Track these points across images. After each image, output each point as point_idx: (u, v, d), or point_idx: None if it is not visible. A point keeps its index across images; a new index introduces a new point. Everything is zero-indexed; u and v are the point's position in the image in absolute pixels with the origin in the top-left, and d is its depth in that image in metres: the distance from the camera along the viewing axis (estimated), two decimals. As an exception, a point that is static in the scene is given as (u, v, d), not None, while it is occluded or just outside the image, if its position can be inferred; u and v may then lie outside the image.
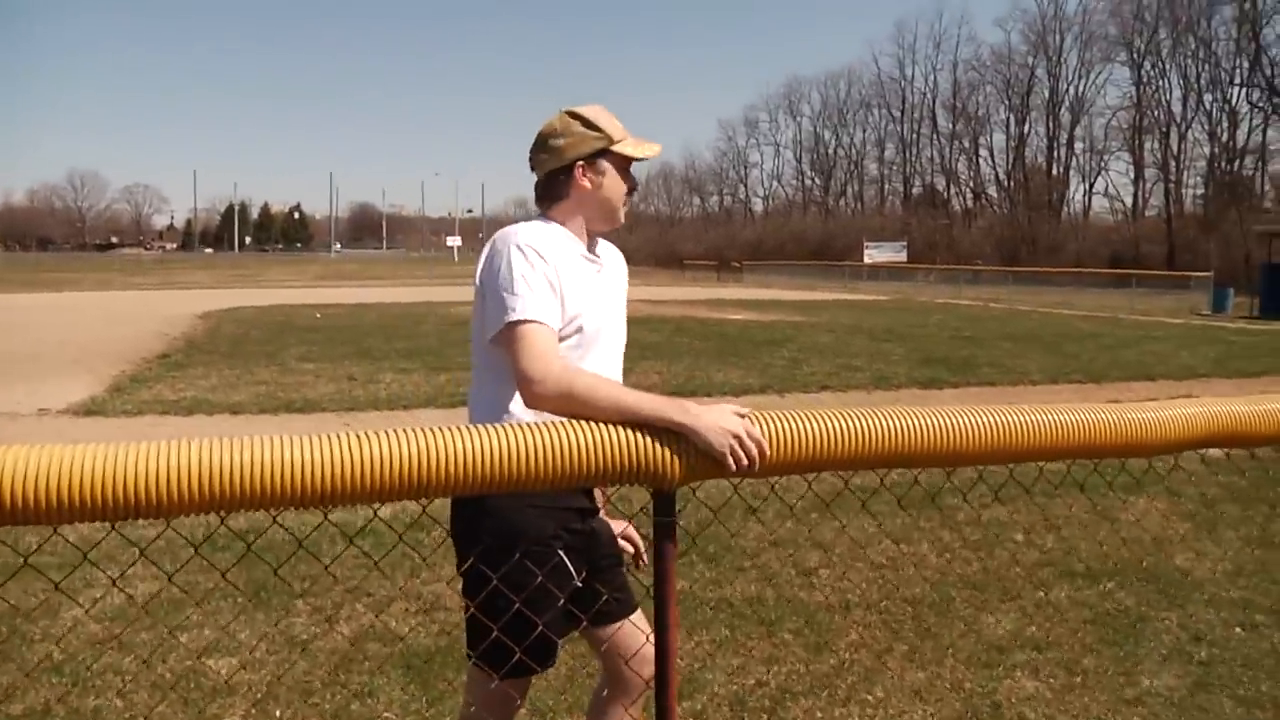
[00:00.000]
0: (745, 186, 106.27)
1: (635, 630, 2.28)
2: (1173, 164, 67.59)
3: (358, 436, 1.51)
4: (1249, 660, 3.75)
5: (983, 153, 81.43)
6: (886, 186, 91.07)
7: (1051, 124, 74.85)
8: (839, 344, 15.87)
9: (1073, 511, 5.58)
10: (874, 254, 61.08)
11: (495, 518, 2.04)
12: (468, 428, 1.58)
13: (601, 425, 1.66)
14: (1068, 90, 73.79)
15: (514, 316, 1.96)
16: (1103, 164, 73.77)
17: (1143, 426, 1.99)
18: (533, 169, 2.21)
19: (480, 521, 2.05)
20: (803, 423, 1.73)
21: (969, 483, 5.30)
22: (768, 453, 1.69)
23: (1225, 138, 65.09)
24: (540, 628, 2.03)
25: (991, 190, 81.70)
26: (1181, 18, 64.92)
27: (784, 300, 31.50)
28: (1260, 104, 63.62)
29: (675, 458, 1.68)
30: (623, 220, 2.22)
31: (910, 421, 1.79)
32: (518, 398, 2.02)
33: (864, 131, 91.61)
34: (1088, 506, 5.45)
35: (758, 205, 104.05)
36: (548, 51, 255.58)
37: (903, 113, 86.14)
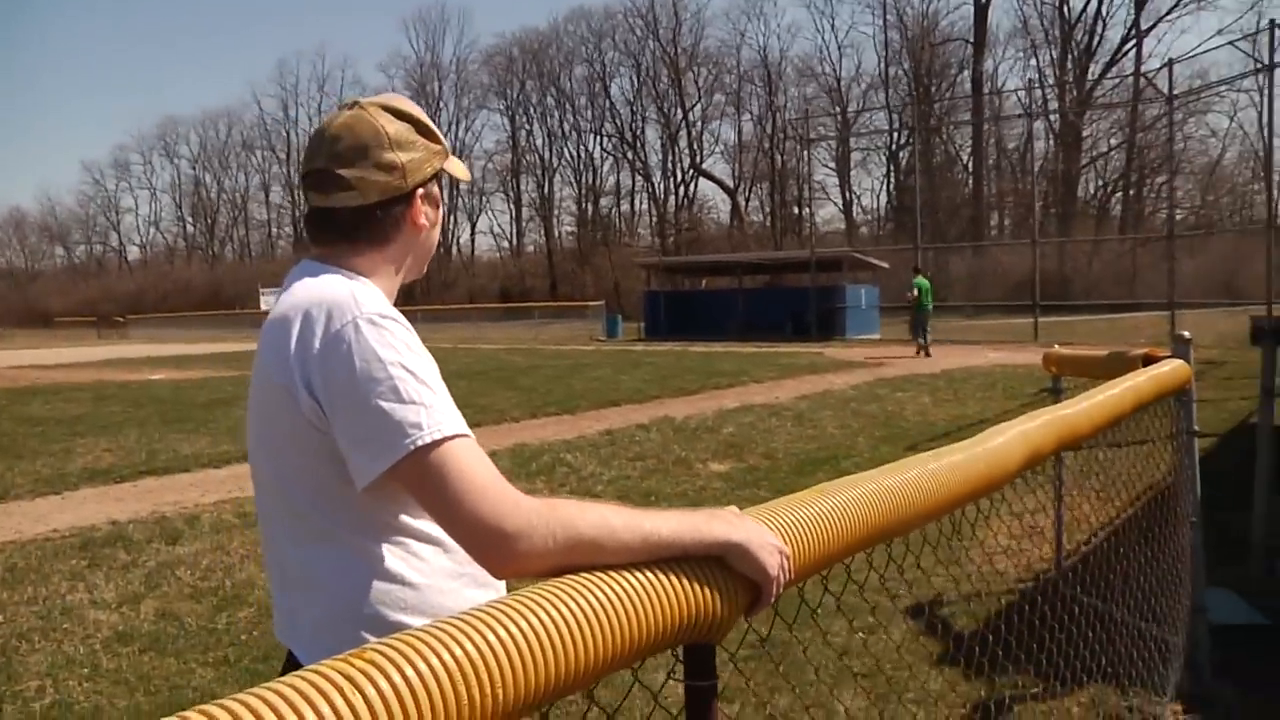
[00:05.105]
0: (119, 234, 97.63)
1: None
2: (547, 204, 74.61)
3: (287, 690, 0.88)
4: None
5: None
6: (275, 230, 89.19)
7: (435, 167, 78.58)
8: (292, 398, 14.86)
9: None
10: (270, 300, 59.35)
11: None
12: (436, 627, 0.96)
13: (624, 574, 1.12)
14: (448, 135, 77.97)
15: (427, 436, 1.20)
16: (485, 204, 79.14)
17: (1004, 453, 1.98)
18: (328, 192, 1.42)
19: None
20: (815, 518, 1.38)
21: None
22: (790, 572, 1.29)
23: (589, 180, 73.44)
24: None
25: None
26: (545, 71, 72.06)
27: (196, 354, 29.11)
28: (611, 151, 72.86)
29: (720, 596, 1.21)
30: None
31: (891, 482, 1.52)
32: (432, 559, 1.36)
33: (247, 175, 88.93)
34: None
35: (135, 254, 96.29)
36: None
37: (288, 155, 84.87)
